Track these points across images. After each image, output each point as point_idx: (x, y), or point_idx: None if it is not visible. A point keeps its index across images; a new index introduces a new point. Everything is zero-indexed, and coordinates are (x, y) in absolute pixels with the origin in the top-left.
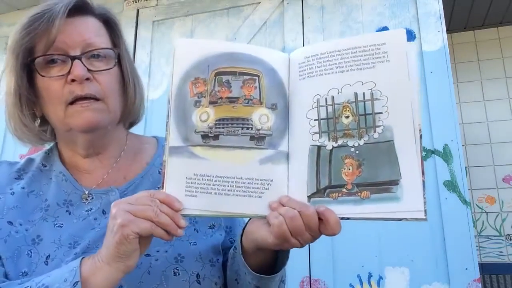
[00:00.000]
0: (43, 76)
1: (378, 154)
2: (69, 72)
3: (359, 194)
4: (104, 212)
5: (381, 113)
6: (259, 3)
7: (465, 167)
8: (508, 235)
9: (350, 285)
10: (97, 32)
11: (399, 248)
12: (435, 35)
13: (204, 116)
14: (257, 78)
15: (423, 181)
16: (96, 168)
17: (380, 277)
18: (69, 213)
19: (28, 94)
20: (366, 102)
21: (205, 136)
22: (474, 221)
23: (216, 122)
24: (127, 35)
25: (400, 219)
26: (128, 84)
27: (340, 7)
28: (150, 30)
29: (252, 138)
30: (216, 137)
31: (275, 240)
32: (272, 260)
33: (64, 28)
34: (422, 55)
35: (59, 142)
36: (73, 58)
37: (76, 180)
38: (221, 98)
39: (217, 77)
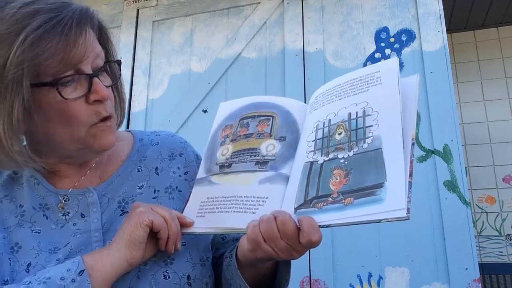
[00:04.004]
0: (65, 99)
1: (366, 162)
2: (89, 91)
3: (343, 201)
4: (82, 216)
5: (371, 126)
6: (259, 3)
7: (465, 167)
8: (508, 235)
9: (350, 285)
10: (97, 43)
11: (399, 248)
12: (435, 35)
13: (225, 151)
14: (271, 118)
15: (410, 182)
16: (75, 171)
17: (380, 277)
18: (46, 217)
19: (29, 115)
20: (358, 118)
21: (222, 166)
22: (474, 221)
23: (232, 154)
24: (127, 35)
25: (379, 220)
26: (123, 93)
27: (340, 7)
28: (150, 30)
29: (257, 163)
30: (229, 166)
31: (249, 245)
32: (270, 279)
33: (83, 46)
34: (422, 55)
35: (40, 152)
36: (91, 76)
37: (49, 183)
38: (239, 135)
39: (240, 121)
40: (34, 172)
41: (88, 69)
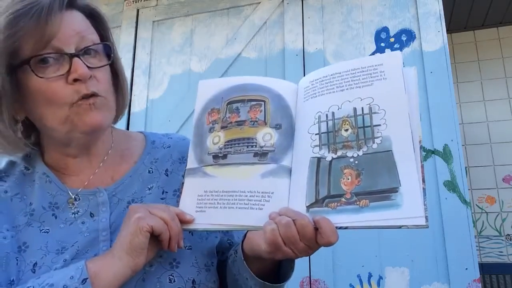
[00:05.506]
0: (41, 77)
1: (377, 164)
2: (68, 71)
3: (358, 202)
4: (92, 215)
5: (379, 125)
6: (259, 3)
7: (465, 167)
8: (508, 235)
9: (350, 285)
10: (87, 26)
11: (399, 248)
12: (435, 35)
13: (216, 140)
14: (263, 103)
15: (424, 189)
16: (83, 169)
17: (380, 277)
18: (55, 217)
19: (14, 99)
20: (364, 115)
21: (215, 157)
22: (474, 221)
23: (226, 143)
24: (127, 35)
25: (399, 227)
26: (122, 80)
27: (340, 7)
28: (150, 30)
29: (255, 154)
30: (224, 157)
31: (268, 247)
32: (275, 268)
33: (56, 23)
34: (422, 55)
35: (46, 144)
36: (72, 56)
37: (61, 181)
38: (230, 122)
39: (228, 105)
40: (47, 170)
41: (70, 50)
